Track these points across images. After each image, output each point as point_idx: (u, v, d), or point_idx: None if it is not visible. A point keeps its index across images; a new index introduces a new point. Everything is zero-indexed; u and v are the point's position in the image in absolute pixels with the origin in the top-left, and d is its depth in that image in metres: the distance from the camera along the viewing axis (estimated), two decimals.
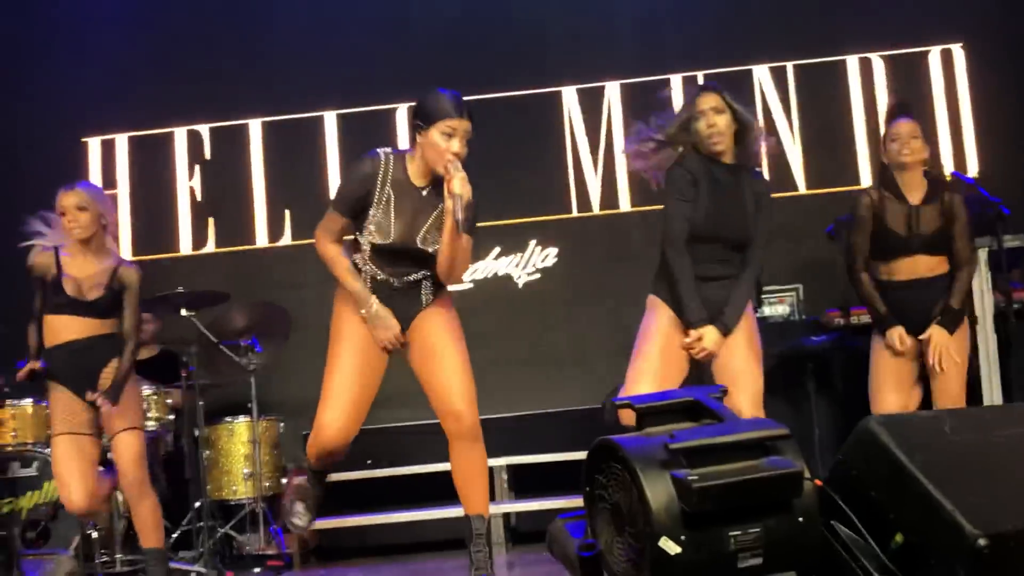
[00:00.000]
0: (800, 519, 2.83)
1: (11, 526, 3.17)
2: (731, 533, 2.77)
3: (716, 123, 4.15)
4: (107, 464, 5.09)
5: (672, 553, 2.72)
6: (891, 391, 4.64)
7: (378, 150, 4.00)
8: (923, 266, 4.65)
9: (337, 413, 4.00)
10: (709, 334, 4.02)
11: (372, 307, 3.97)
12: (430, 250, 3.99)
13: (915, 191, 4.68)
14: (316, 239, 4.05)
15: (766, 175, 7.04)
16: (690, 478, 2.73)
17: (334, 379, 4.02)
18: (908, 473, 2.78)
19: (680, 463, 2.79)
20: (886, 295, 4.68)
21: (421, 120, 3.92)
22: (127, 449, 4.77)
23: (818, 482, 2.95)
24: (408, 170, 3.99)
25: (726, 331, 4.05)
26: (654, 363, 4.11)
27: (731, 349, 4.09)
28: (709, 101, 4.21)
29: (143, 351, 6.66)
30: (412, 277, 4.06)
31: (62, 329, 4.79)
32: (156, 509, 4.89)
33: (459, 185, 3.81)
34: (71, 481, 4.66)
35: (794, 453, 2.90)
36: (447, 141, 3.86)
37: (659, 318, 4.18)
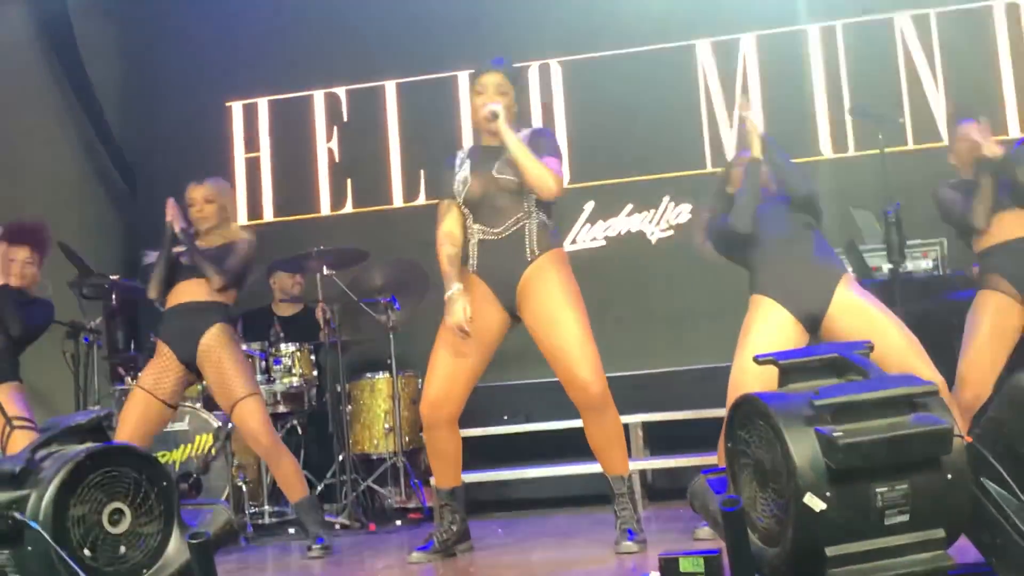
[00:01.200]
0: (949, 476, 2.78)
1: (171, 477, 3.31)
2: (878, 490, 2.73)
3: None
4: None
5: (817, 509, 2.71)
6: (987, 343, 4.58)
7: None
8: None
9: (432, 389, 4.29)
10: None
11: (449, 292, 4.22)
12: (503, 176, 4.22)
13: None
14: (437, 237, 4.36)
15: (909, 124, 6.93)
16: (836, 434, 2.70)
17: (434, 357, 4.31)
18: None
19: (825, 419, 2.76)
20: (1001, 258, 4.67)
21: (470, 90, 4.49)
22: (251, 417, 4.91)
23: (968, 438, 2.89)
24: (480, 143, 4.43)
25: None
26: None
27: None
28: None
29: (288, 307, 6.87)
30: (510, 222, 4.22)
31: (179, 293, 5.02)
32: (295, 464, 5.06)
33: (496, 107, 4.22)
34: (120, 432, 4.85)
35: (943, 410, 2.85)
36: (479, 99, 4.32)
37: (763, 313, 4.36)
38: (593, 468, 6.13)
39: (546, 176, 4.15)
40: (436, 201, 4.47)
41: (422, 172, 7.49)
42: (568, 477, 6.29)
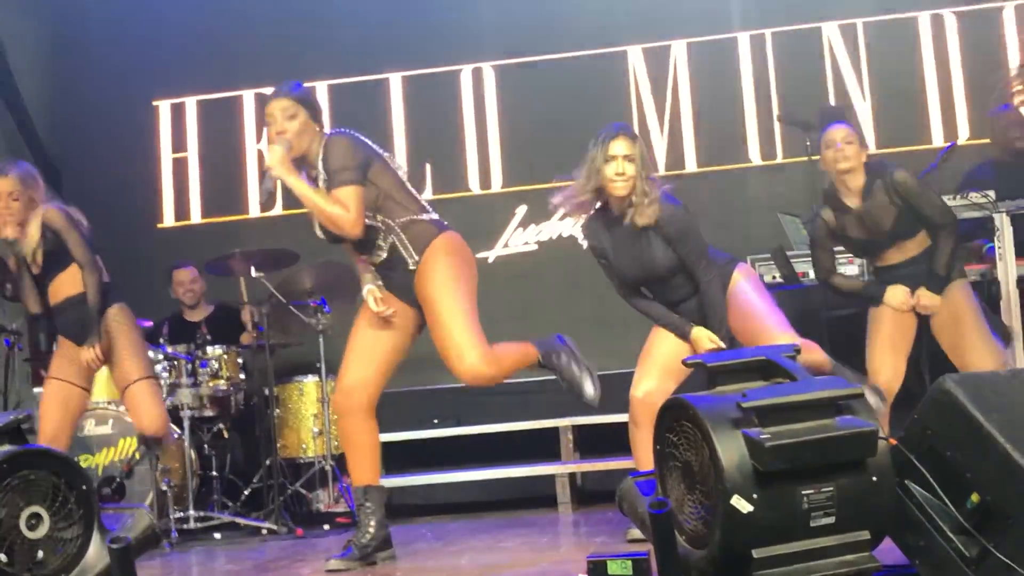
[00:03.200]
0: (874, 478, 2.80)
1: (90, 481, 3.24)
2: (803, 492, 2.75)
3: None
4: None
5: (744, 511, 2.72)
6: (887, 352, 4.74)
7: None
8: (909, 248, 4.75)
9: (346, 375, 4.25)
10: (701, 332, 4.30)
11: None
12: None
13: (854, 195, 4.74)
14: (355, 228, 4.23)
15: None
16: (763, 436, 2.72)
17: (349, 343, 4.28)
18: (985, 432, 2.74)
19: (752, 422, 2.77)
20: (886, 277, 4.80)
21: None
22: (141, 400, 4.95)
23: (892, 441, 2.93)
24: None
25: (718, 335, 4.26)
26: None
27: None
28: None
29: (197, 312, 6.77)
30: (378, 246, 4.19)
31: (60, 286, 4.98)
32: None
33: (271, 157, 4.12)
34: (44, 425, 4.84)
35: (867, 412, 2.88)
36: (270, 128, 4.21)
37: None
38: (523, 471, 6.18)
39: (338, 221, 4.07)
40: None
41: None
42: (498, 480, 6.28)
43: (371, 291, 4.22)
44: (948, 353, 4.80)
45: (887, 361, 4.75)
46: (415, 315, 4.28)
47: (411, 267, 4.18)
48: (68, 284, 4.93)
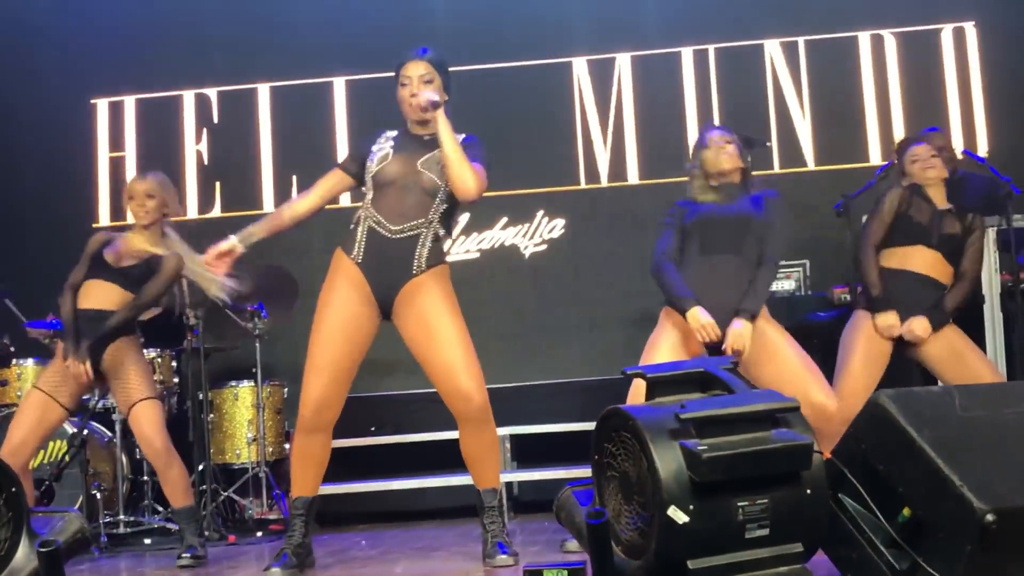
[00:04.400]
0: (808, 491, 2.84)
1: (19, 483, 3.17)
2: (739, 504, 2.78)
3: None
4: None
5: (680, 522, 2.74)
6: (862, 367, 4.67)
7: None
8: (936, 266, 4.72)
9: (316, 391, 4.11)
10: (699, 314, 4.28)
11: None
12: (431, 175, 4.10)
13: (940, 199, 4.79)
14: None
15: (775, 148, 7.12)
16: (699, 448, 2.74)
17: (315, 356, 4.11)
18: (917, 448, 2.78)
19: (690, 433, 2.80)
20: (892, 281, 4.71)
21: (395, 84, 4.26)
22: (146, 420, 4.80)
23: (826, 455, 2.96)
24: (410, 129, 4.26)
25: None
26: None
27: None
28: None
29: (147, 312, 6.68)
30: (409, 225, 4.09)
31: (90, 294, 4.87)
32: (184, 473, 4.92)
33: (418, 104, 4.13)
34: (13, 432, 4.73)
35: (803, 426, 2.92)
36: (405, 90, 4.18)
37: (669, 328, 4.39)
38: (459, 480, 6.15)
39: (469, 176, 4.06)
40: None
41: (294, 178, 7.37)
42: (434, 489, 6.26)
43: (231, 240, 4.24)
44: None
45: (857, 388, 4.59)
46: (374, 325, 4.20)
47: (414, 271, 4.11)
48: (106, 295, 4.87)
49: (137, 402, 4.79)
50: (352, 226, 4.19)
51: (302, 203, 4.32)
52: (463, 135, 4.22)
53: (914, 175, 4.81)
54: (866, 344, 4.68)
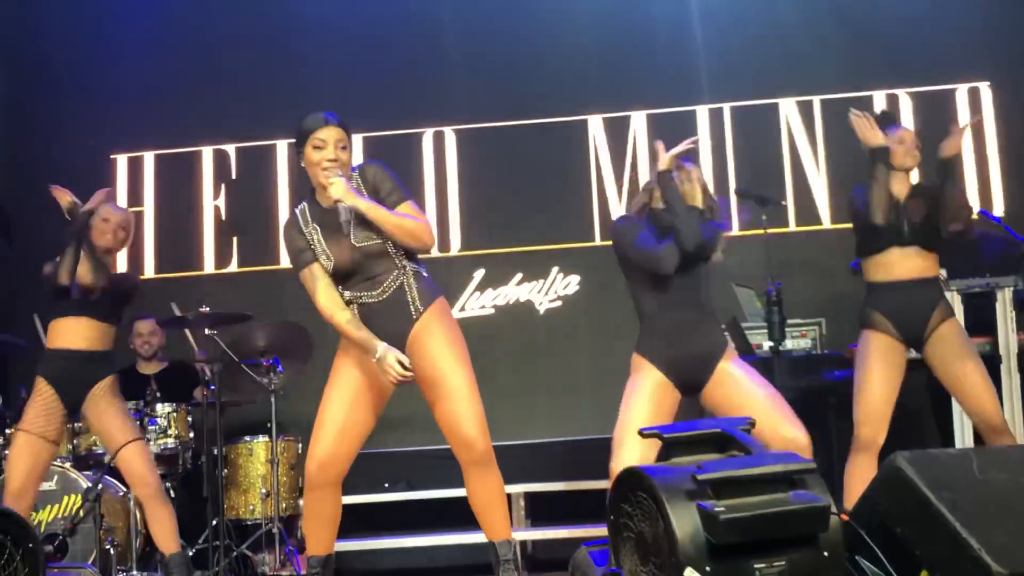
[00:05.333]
0: (825, 553, 2.82)
1: (37, 539, 3.17)
2: (756, 565, 2.76)
3: None
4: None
5: None
6: (880, 386, 4.64)
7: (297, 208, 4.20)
8: (918, 262, 4.71)
9: (321, 446, 4.07)
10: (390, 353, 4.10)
11: (378, 352, 3.95)
12: (368, 243, 4.01)
13: (902, 190, 4.85)
14: (319, 310, 4.08)
15: (791, 206, 7.12)
16: (717, 509, 2.73)
17: (324, 412, 4.09)
18: (935, 510, 2.77)
19: (707, 494, 2.78)
20: (885, 295, 4.73)
21: (298, 147, 4.11)
22: (136, 460, 4.88)
23: (844, 517, 2.94)
24: (319, 200, 4.13)
25: None
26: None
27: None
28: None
29: (151, 366, 6.71)
30: (387, 283, 4.05)
31: (68, 332, 4.94)
32: (173, 517, 4.99)
33: (337, 190, 3.94)
34: (10, 480, 4.81)
35: (820, 488, 2.90)
36: (319, 153, 4.01)
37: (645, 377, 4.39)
38: (475, 537, 6.11)
39: (417, 232, 4.01)
40: (301, 275, 4.14)
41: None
42: (448, 546, 6.22)
43: (395, 354, 3.96)
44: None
45: (877, 409, 4.61)
46: (390, 384, 4.13)
47: (413, 315, 4.05)
48: (83, 334, 4.95)
49: (125, 444, 4.84)
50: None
51: (345, 310, 4.10)
52: (356, 173, 4.13)
53: (895, 157, 4.82)
54: (879, 360, 4.67)
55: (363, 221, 4.00)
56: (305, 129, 4.07)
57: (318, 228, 4.08)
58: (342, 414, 4.09)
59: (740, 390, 4.21)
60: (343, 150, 4.05)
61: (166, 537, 4.94)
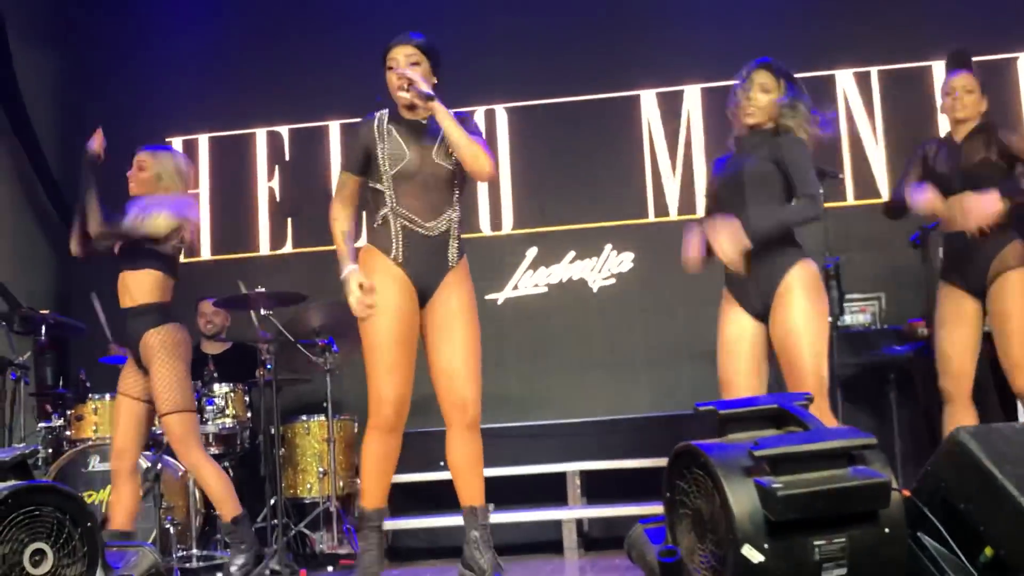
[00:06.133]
0: (886, 530, 2.77)
1: (95, 518, 3.21)
2: (815, 543, 2.72)
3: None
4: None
5: (755, 561, 2.68)
6: (950, 341, 4.64)
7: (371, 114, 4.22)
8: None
9: (391, 388, 4.02)
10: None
11: (343, 272, 4.08)
12: (447, 165, 4.08)
13: (961, 134, 4.77)
14: (330, 210, 4.21)
15: (849, 180, 7.01)
16: (774, 486, 2.69)
17: (384, 355, 4.01)
18: (999, 485, 2.71)
19: (764, 470, 2.75)
20: (949, 246, 4.73)
21: (382, 69, 4.18)
22: (171, 432, 4.88)
23: (905, 492, 2.89)
24: (401, 113, 4.15)
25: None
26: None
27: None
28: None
29: (215, 345, 6.77)
30: (441, 219, 4.08)
31: (119, 290, 4.98)
32: (222, 482, 4.96)
33: (407, 87, 4.03)
34: (114, 440, 4.96)
35: (881, 463, 2.85)
36: (391, 73, 4.10)
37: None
38: (529, 516, 6.12)
39: (484, 160, 4.03)
40: (340, 173, 4.26)
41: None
42: (503, 524, 6.20)
43: (356, 281, 4.03)
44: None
45: (952, 356, 4.62)
46: (418, 323, 4.14)
47: (450, 264, 4.10)
48: (128, 288, 4.93)
49: (164, 415, 4.84)
50: (377, 224, 4.13)
51: (348, 222, 4.25)
52: (452, 112, 4.15)
53: (943, 108, 4.78)
54: (944, 311, 4.68)
55: (446, 149, 4.08)
56: (384, 51, 4.18)
57: (395, 130, 4.11)
58: (403, 356, 4.04)
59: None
60: (414, 64, 4.09)
61: (217, 505, 5.05)
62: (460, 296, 4.13)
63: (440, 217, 4.09)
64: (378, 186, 4.10)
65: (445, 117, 4.01)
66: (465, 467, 4.15)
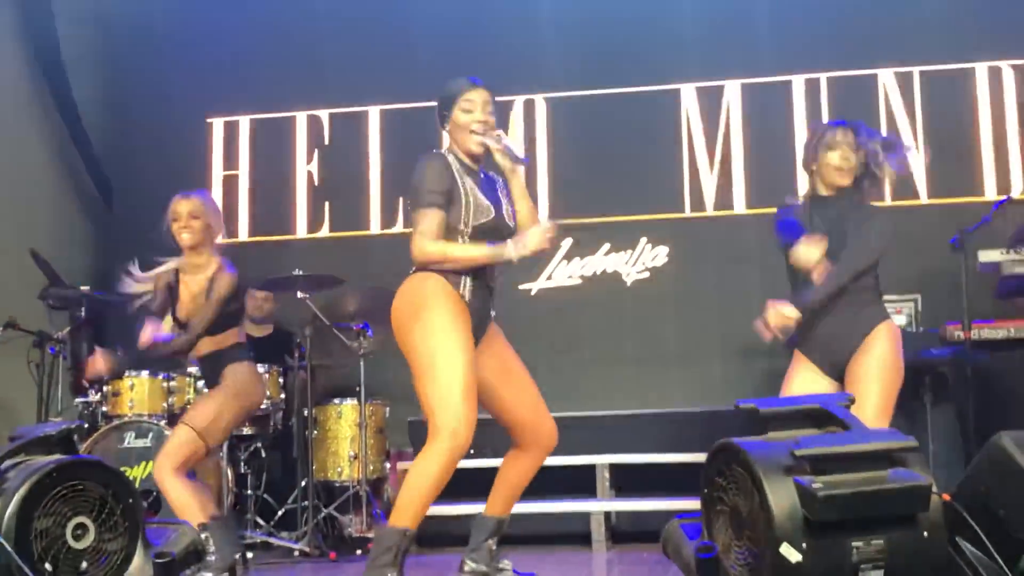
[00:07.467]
0: (925, 533, 2.78)
1: (137, 494, 3.25)
2: (854, 544, 2.73)
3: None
4: None
5: (793, 560, 2.69)
6: None
7: (434, 150, 4.11)
8: None
9: (471, 409, 3.88)
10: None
11: (505, 246, 3.92)
12: (511, 226, 4.07)
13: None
14: (417, 248, 3.93)
15: (887, 182, 6.97)
16: (815, 486, 2.69)
17: (462, 378, 3.85)
18: None
19: (804, 470, 2.75)
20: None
21: (444, 110, 4.07)
22: (171, 438, 4.77)
23: (946, 497, 2.89)
24: (460, 157, 4.07)
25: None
26: None
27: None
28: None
29: (258, 329, 6.81)
30: (497, 271, 4.09)
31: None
32: (186, 493, 4.68)
33: (495, 138, 3.98)
34: None
35: (922, 466, 2.85)
36: (468, 116, 4.00)
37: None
38: (558, 507, 6.14)
39: (536, 212, 4.15)
40: (422, 208, 3.93)
41: (401, 200, 7.46)
42: (532, 514, 6.22)
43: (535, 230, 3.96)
44: None
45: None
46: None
47: (492, 314, 4.14)
48: (229, 338, 4.84)
49: (180, 420, 4.78)
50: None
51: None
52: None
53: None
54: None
55: (508, 209, 4.07)
56: (453, 91, 4.05)
57: (471, 181, 4.02)
58: (473, 380, 3.92)
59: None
60: (491, 114, 4.05)
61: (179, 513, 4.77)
62: (503, 342, 4.17)
63: (496, 270, 4.10)
64: (448, 229, 3.97)
65: (523, 191, 4.07)
66: (520, 486, 4.25)
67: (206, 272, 4.80)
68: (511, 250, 3.91)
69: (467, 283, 4.01)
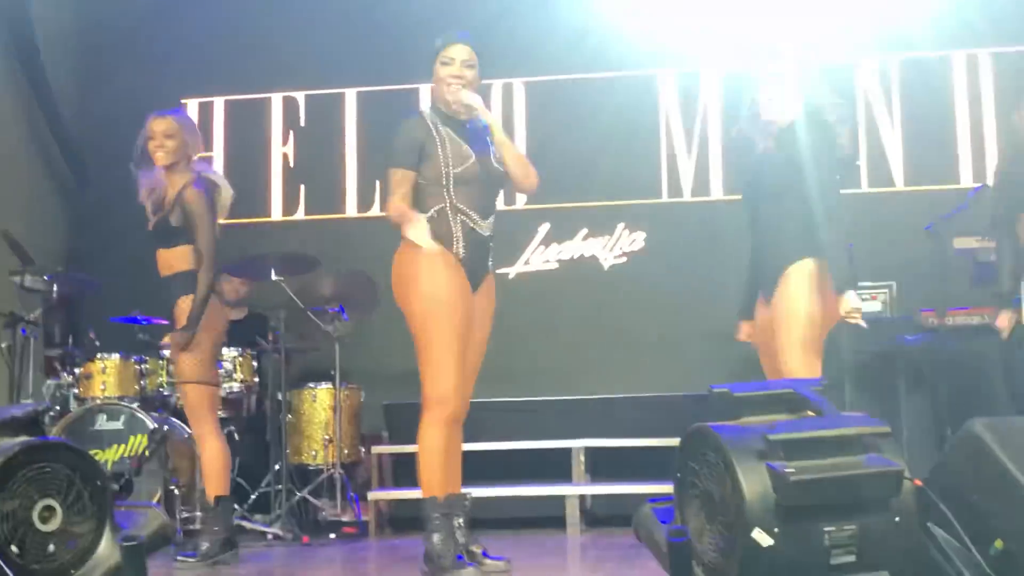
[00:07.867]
0: (897, 519, 2.78)
1: (105, 476, 3.22)
2: (825, 529, 2.73)
3: None
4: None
5: (764, 545, 2.69)
6: None
7: (414, 111, 4.30)
8: None
9: (455, 380, 4.03)
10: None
11: (418, 219, 4.02)
12: (500, 170, 4.16)
13: None
14: (387, 205, 4.13)
15: (864, 167, 6.99)
16: (787, 470, 2.69)
17: (452, 351, 4.00)
18: (1012, 478, 2.71)
19: (778, 455, 2.75)
20: None
21: (432, 63, 4.20)
22: (185, 401, 4.90)
23: (918, 482, 2.89)
24: (443, 109, 4.19)
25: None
26: None
27: None
28: None
29: (233, 313, 6.75)
30: (491, 220, 4.17)
31: (160, 264, 4.91)
32: (219, 461, 4.89)
33: (466, 96, 4.09)
34: None
35: (894, 452, 2.85)
36: (446, 69, 4.14)
37: None
38: (533, 491, 6.13)
39: (532, 174, 4.19)
40: (390, 168, 4.12)
41: (377, 183, 7.41)
42: (507, 498, 6.22)
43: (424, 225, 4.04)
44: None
45: None
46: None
47: (489, 266, 4.23)
48: (161, 261, 4.87)
49: (180, 383, 4.85)
50: (432, 216, 4.09)
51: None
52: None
53: None
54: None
55: (495, 155, 4.16)
56: (437, 45, 4.19)
57: (451, 131, 4.13)
58: (461, 348, 4.05)
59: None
60: (469, 68, 4.15)
61: (205, 479, 5.00)
62: (490, 301, 4.25)
63: (489, 218, 4.18)
64: (430, 182, 4.08)
65: (501, 133, 4.16)
66: (458, 458, 4.24)
67: (169, 194, 4.84)
68: (410, 232, 4.03)
69: (461, 241, 4.09)
